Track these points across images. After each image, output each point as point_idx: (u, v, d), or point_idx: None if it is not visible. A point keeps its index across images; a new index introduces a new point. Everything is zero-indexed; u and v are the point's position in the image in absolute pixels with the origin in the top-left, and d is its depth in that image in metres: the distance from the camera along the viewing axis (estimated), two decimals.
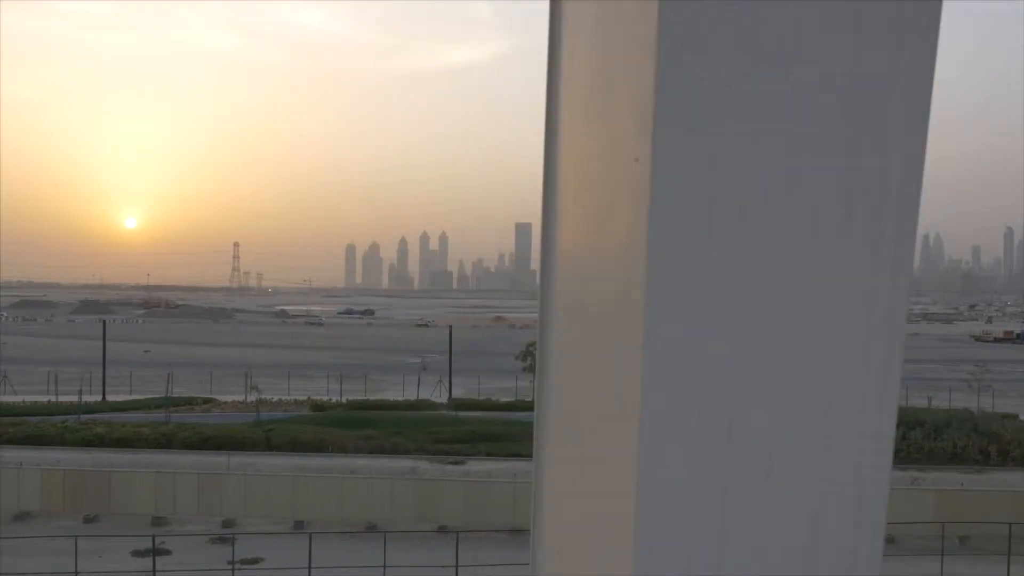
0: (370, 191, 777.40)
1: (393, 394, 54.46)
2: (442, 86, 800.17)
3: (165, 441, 35.52)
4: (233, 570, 22.17)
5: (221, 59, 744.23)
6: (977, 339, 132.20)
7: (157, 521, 28.60)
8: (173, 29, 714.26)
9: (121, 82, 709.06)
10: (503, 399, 50.93)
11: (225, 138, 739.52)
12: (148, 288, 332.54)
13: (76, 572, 21.53)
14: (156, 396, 50.06)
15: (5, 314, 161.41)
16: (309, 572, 21.49)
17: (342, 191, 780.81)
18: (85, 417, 40.94)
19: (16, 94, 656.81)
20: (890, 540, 25.42)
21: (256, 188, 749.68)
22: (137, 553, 25.35)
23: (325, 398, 50.62)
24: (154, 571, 22.19)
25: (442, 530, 27.70)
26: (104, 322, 63.36)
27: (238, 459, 32.62)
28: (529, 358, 51.81)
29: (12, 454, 33.73)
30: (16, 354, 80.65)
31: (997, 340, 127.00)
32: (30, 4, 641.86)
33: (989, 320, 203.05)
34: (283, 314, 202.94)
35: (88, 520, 28.55)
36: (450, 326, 64.97)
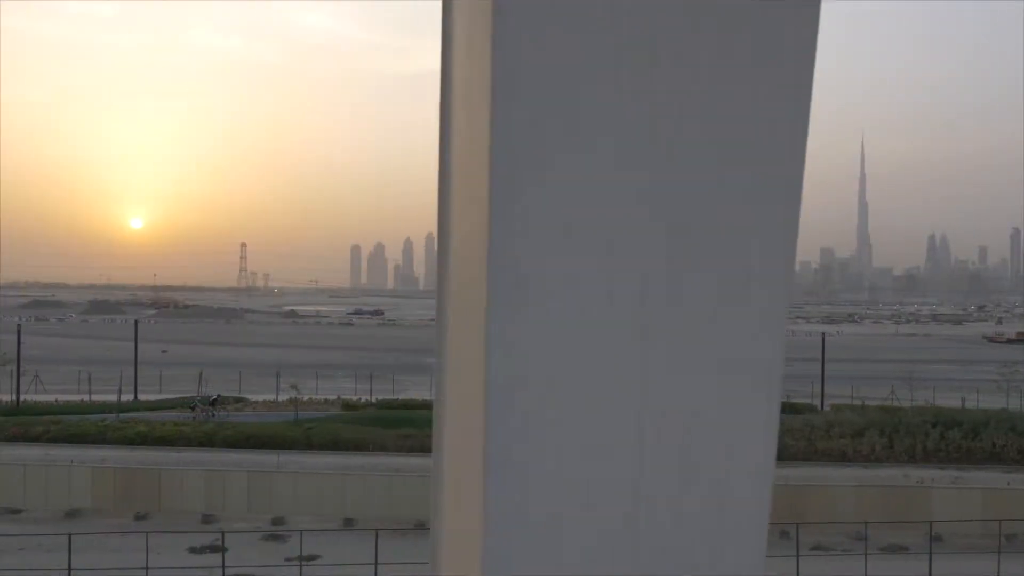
0: (375, 191, 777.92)
1: (416, 393, 54.71)
2: None
3: (207, 440, 35.81)
4: (301, 567, 22.43)
5: (226, 60, 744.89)
6: (990, 340, 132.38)
7: (207, 519, 28.88)
8: (180, 30, 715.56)
9: (127, 83, 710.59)
10: None
11: (231, 139, 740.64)
12: (155, 288, 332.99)
13: (147, 567, 21.80)
14: (187, 395, 50.38)
15: (20, 316, 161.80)
16: (375, 569, 21.73)
17: (347, 191, 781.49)
18: (123, 416, 41.29)
19: (22, 96, 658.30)
20: (937, 538, 25.64)
21: (262, 188, 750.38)
22: (194, 550, 25.64)
23: (354, 397, 50.89)
24: (223, 566, 22.45)
25: None
26: (136, 322, 63.84)
27: (284, 457, 32.92)
28: None
29: (56, 452, 34.09)
30: (35, 354, 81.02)
31: (1010, 341, 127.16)
32: (34, 5, 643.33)
33: (999, 321, 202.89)
34: (293, 314, 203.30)
35: (139, 518, 28.83)
36: None
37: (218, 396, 46.86)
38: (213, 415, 42.50)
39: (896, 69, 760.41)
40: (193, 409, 42.96)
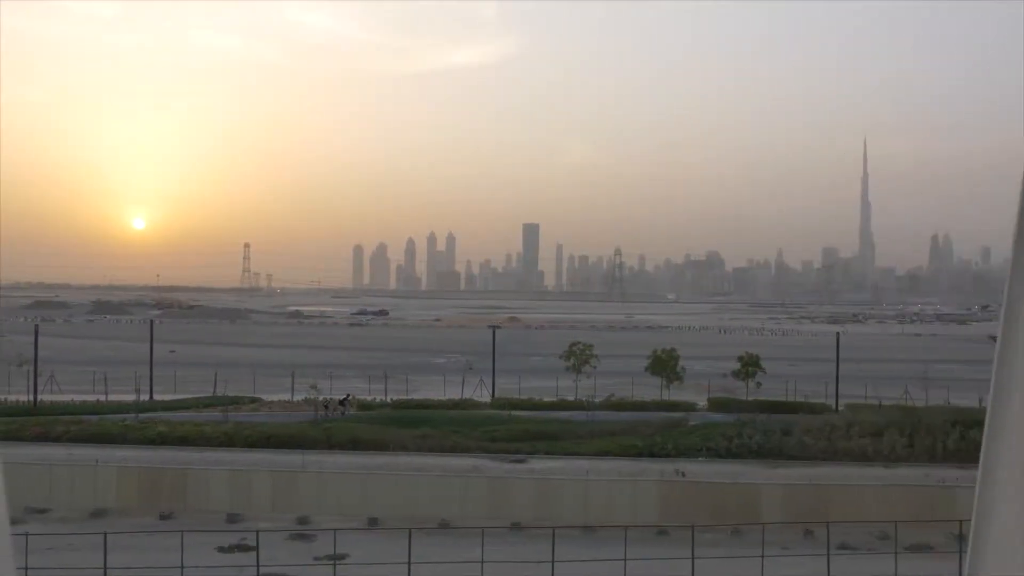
0: (377, 191, 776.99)
1: (427, 393, 54.77)
2: (449, 87, 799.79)
3: (227, 439, 35.85)
4: (335, 565, 22.49)
5: (226, 60, 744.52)
6: (996, 340, 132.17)
7: (231, 518, 28.96)
8: (180, 30, 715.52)
9: (128, 83, 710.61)
10: (542, 399, 51.05)
11: (232, 139, 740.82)
12: (158, 289, 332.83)
13: (182, 566, 21.87)
14: (202, 395, 50.47)
15: (25, 317, 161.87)
16: (409, 568, 21.80)
17: (349, 191, 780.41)
18: (142, 416, 41.37)
19: (22, 96, 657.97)
20: (963, 538, 25.67)
21: (264, 189, 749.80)
22: (222, 549, 25.70)
23: (369, 397, 50.90)
24: (258, 565, 22.52)
25: (515, 527, 28.02)
26: (152, 323, 63.79)
27: (305, 457, 32.94)
28: (573, 358, 52.14)
29: (78, 452, 34.15)
30: (45, 355, 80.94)
31: None
32: (36, 5, 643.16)
33: None
34: (297, 315, 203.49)
35: (163, 517, 28.91)
36: (494, 327, 65.32)
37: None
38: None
39: (899, 68, 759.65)
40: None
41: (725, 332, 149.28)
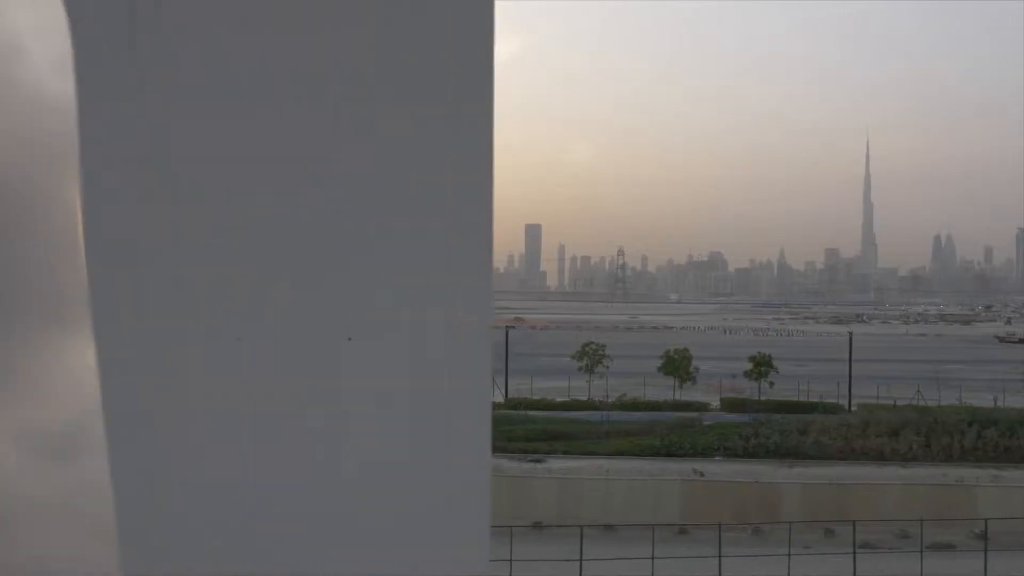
0: None
1: None
2: None
3: None
4: None
5: None
6: (1002, 340, 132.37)
7: None
8: None
9: None
10: (554, 399, 51.17)
11: None
12: None
13: None
14: None
15: None
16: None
17: None
18: None
19: None
20: (982, 536, 25.81)
21: None
22: None
23: None
24: None
25: (536, 526, 28.21)
26: None
27: None
28: (585, 358, 52.29)
29: None
30: None
31: (1022, 341, 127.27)
32: None
33: (1008, 321, 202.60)
34: None
35: None
36: (507, 328, 65.52)
37: None
38: None
39: (901, 68, 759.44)
40: None
41: (730, 332, 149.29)
